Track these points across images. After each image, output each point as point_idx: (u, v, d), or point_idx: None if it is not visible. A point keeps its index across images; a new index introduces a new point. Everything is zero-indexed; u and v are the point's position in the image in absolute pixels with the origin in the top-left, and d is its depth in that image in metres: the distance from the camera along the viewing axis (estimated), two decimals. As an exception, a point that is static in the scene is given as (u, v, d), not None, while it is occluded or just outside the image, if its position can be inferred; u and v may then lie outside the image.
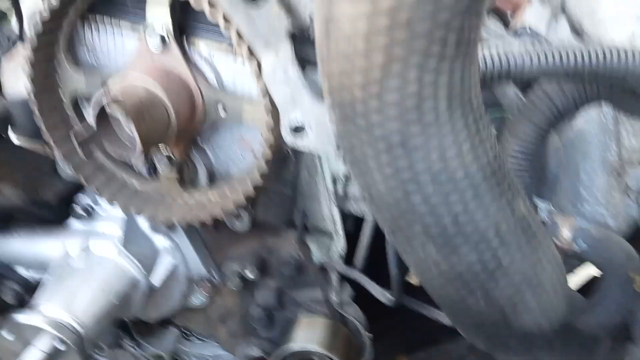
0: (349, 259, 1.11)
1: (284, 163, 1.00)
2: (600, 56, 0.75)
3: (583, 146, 1.12)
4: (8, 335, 0.92)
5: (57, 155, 0.92)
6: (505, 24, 1.24)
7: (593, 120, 1.12)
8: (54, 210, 1.10)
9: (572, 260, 1.15)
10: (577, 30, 1.14)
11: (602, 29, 1.04)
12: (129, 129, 0.75)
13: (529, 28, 1.11)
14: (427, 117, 0.40)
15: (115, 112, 0.74)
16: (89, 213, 1.07)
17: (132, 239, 1.09)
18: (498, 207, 0.48)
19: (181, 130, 0.87)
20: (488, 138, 0.47)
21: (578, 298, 1.38)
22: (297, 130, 0.81)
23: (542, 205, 1.05)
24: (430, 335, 1.55)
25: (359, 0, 0.34)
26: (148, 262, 1.10)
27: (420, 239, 0.49)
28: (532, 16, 1.14)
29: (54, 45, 0.87)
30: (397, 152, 0.42)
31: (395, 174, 0.44)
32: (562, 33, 1.12)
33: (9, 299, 1.12)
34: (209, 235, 1.15)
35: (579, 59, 0.75)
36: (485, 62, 0.76)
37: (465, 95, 0.41)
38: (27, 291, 1.13)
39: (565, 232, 1.07)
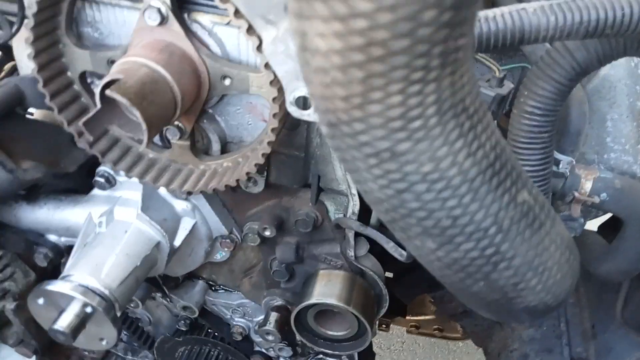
0: (364, 217, 1.13)
1: (295, 128, 1.00)
2: (627, 10, 0.70)
3: (609, 93, 1.08)
4: (42, 302, 0.98)
5: (71, 132, 0.93)
6: None
7: (620, 65, 1.07)
8: (77, 179, 1.13)
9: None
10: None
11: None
12: (133, 114, 0.76)
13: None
14: (415, 126, 0.39)
15: (117, 97, 0.74)
16: (110, 182, 1.10)
17: (152, 204, 1.12)
18: (494, 198, 0.47)
19: (187, 104, 0.87)
20: (485, 131, 0.46)
21: (599, 244, 1.38)
22: (302, 102, 0.80)
23: (564, 159, 1.04)
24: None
25: (330, 20, 0.32)
26: (169, 225, 1.14)
27: (417, 232, 0.49)
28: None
29: (55, 25, 0.86)
30: (386, 160, 0.41)
31: (384, 176, 0.44)
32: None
33: (42, 262, 1.18)
34: (227, 196, 1.17)
35: (602, 15, 0.69)
36: (496, 23, 0.72)
37: (457, 100, 0.40)
38: (58, 255, 1.19)
39: (586, 185, 1.06)
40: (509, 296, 0.54)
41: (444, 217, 0.45)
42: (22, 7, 0.87)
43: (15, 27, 0.87)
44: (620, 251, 1.20)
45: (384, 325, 2.32)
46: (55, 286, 0.96)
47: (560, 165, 1.02)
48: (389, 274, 1.72)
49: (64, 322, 0.94)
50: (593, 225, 1.49)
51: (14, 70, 1.27)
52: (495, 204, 0.46)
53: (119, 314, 1.02)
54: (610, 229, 1.40)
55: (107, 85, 0.77)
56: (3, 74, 1.28)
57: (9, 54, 1.14)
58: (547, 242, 0.52)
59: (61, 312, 0.96)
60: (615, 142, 1.10)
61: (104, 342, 1.02)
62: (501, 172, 0.46)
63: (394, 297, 1.57)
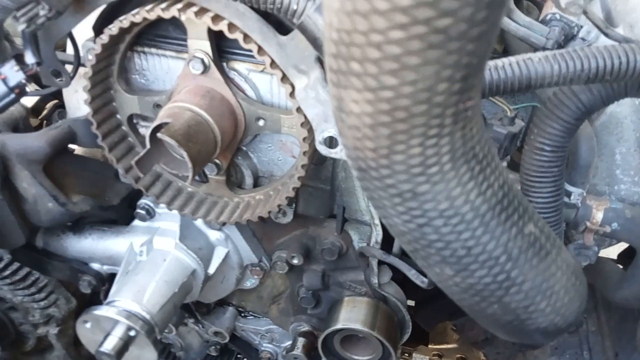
0: (387, 246, 1.19)
1: (322, 163, 1.08)
2: (623, 58, 0.77)
3: (617, 129, 1.14)
4: (89, 326, 1.06)
5: (119, 169, 1.02)
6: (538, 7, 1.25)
7: (625, 103, 1.13)
8: (119, 211, 1.23)
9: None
10: (609, 17, 1.14)
11: (635, 15, 1.04)
12: (179, 153, 0.84)
13: (559, 15, 1.12)
14: (432, 171, 0.46)
15: (167, 139, 0.83)
16: (150, 213, 1.19)
17: (188, 234, 1.21)
18: (503, 230, 0.54)
19: (225, 143, 0.96)
20: (494, 173, 0.53)
21: (615, 271, 1.42)
22: (330, 142, 0.88)
23: (575, 191, 1.10)
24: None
25: (363, 91, 0.40)
26: (204, 253, 1.22)
27: (436, 260, 0.56)
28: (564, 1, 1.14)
29: (108, 74, 0.96)
30: (408, 199, 0.49)
31: (407, 212, 0.51)
32: (595, 19, 1.12)
33: (86, 289, 1.26)
34: (257, 226, 1.25)
35: (601, 63, 0.77)
36: (505, 71, 0.80)
37: (468, 148, 0.48)
38: (100, 283, 1.27)
39: (598, 215, 1.12)
40: (521, 318, 0.60)
41: (460, 247, 0.52)
42: (78, 57, 0.98)
43: (71, 76, 0.97)
44: (635, 278, 1.24)
45: (406, 354, 2.34)
46: (102, 311, 1.04)
47: (572, 197, 1.08)
48: (411, 302, 1.76)
49: (110, 344, 1.02)
50: (613, 253, 1.53)
51: (55, 108, 1.39)
52: (505, 235, 0.53)
53: (159, 337, 1.10)
54: (629, 257, 1.44)
55: (157, 128, 0.86)
56: (46, 111, 1.40)
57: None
58: (553, 268, 0.58)
59: (106, 335, 1.04)
60: (624, 174, 1.15)
61: (144, 364, 1.10)
62: (509, 208, 0.53)
63: (416, 325, 1.62)
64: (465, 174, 0.48)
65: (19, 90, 0.80)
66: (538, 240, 0.56)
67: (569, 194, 1.09)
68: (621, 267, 1.42)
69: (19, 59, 0.84)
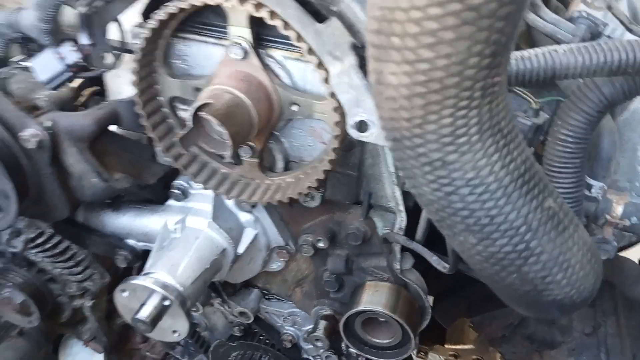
0: (410, 232, 1.23)
1: (350, 149, 1.13)
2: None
3: (639, 125, 1.17)
4: (126, 295, 1.12)
5: (159, 148, 1.09)
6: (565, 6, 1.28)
7: (648, 99, 1.16)
8: (155, 191, 1.29)
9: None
10: (635, 15, 1.17)
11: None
12: (220, 131, 0.90)
13: (585, 12, 1.15)
14: (461, 141, 0.51)
15: (209, 116, 0.89)
16: (184, 193, 1.25)
17: (220, 214, 1.27)
18: (524, 202, 0.59)
19: (261, 126, 1.02)
20: (517, 149, 0.57)
21: (635, 268, 1.44)
22: (361, 126, 0.93)
23: (596, 185, 1.13)
24: (491, 298, 1.65)
25: (401, 63, 0.45)
26: (234, 233, 1.28)
27: (461, 228, 0.61)
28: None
29: (154, 58, 1.02)
30: (438, 168, 0.53)
31: (436, 181, 0.56)
32: (620, 15, 1.15)
33: (122, 264, 1.33)
34: (285, 210, 1.30)
35: (624, 56, 0.80)
36: (531, 62, 0.84)
37: (494, 122, 0.52)
38: (135, 258, 1.34)
39: (618, 209, 1.15)
40: (538, 288, 0.64)
41: (483, 216, 0.57)
42: (124, 42, 1.05)
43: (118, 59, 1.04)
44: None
45: (422, 353, 2.36)
46: (139, 280, 1.11)
47: (593, 190, 1.11)
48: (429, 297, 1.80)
49: (145, 312, 1.08)
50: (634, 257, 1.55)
51: (92, 94, 1.45)
52: (525, 207, 0.57)
53: (190, 310, 1.16)
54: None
55: (199, 108, 0.92)
56: (84, 98, 1.47)
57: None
58: (570, 243, 0.62)
59: (142, 304, 1.10)
60: (646, 171, 1.18)
61: (176, 334, 1.16)
62: (530, 182, 0.57)
63: (433, 323, 1.66)
64: (490, 146, 0.52)
65: (75, 69, 0.87)
66: (557, 214, 0.60)
67: (589, 187, 1.12)
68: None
69: (74, 41, 0.90)
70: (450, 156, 0.51)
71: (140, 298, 1.11)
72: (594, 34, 1.13)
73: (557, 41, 1.14)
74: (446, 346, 2.38)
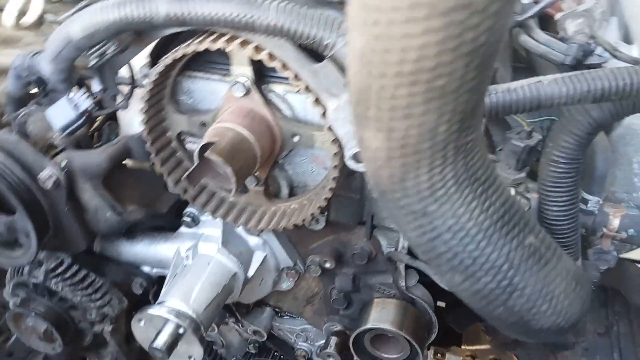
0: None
1: (352, 174, 1.17)
2: (627, 80, 0.83)
3: (633, 139, 1.20)
4: (142, 324, 1.18)
5: (169, 182, 1.14)
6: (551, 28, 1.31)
7: (640, 114, 1.19)
8: (167, 218, 1.34)
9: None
10: (627, 33, 1.19)
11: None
12: (224, 170, 0.95)
13: (580, 24, 1.17)
14: (439, 194, 0.55)
15: (214, 157, 0.93)
16: (195, 221, 1.31)
17: (230, 239, 1.32)
18: (505, 242, 0.63)
19: (264, 158, 1.06)
20: (495, 193, 0.61)
21: (637, 275, 1.46)
22: (358, 157, 0.97)
23: (592, 199, 1.16)
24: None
25: (378, 132, 0.49)
26: (244, 257, 1.33)
27: (446, 268, 0.65)
28: (582, 19, 1.19)
29: (161, 97, 1.07)
30: (419, 217, 0.58)
31: (419, 228, 0.60)
32: (611, 37, 1.18)
33: (138, 290, 1.39)
34: (292, 232, 1.35)
35: (606, 85, 0.84)
36: (517, 93, 0.87)
37: (470, 174, 0.56)
38: (150, 284, 1.40)
39: (615, 222, 1.18)
40: (525, 319, 0.68)
41: (466, 258, 0.60)
42: (133, 81, 1.10)
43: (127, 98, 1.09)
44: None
45: (439, 355, 2.38)
46: (154, 310, 1.16)
47: (589, 204, 1.14)
48: (442, 304, 1.83)
49: (161, 340, 1.13)
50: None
51: (106, 120, 1.51)
52: (506, 246, 0.61)
53: (204, 335, 1.21)
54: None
55: (204, 146, 0.97)
56: (98, 122, 1.53)
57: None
58: (553, 275, 0.66)
59: (158, 332, 1.15)
60: (642, 183, 1.21)
61: (191, 359, 1.21)
62: (510, 222, 0.61)
63: (449, 326, 1.68)
64: (469, 194, 0.56)
65: (88, 115, 0.92)
66: (538, 250, 0.64)
67: (586, 202, 1.15)
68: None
69: (86, 87, 0.95)
70: (430, 207, 0.55)
71: (156, 326, 1.16)
72: (587, 52, 1.16)
73: (550, 61, 1.17)
74: (463, 347, 2.40)
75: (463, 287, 0.65)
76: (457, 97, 0.44)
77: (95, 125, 1.52)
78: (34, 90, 1.17)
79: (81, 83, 1.13)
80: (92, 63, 0.85)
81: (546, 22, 1.29)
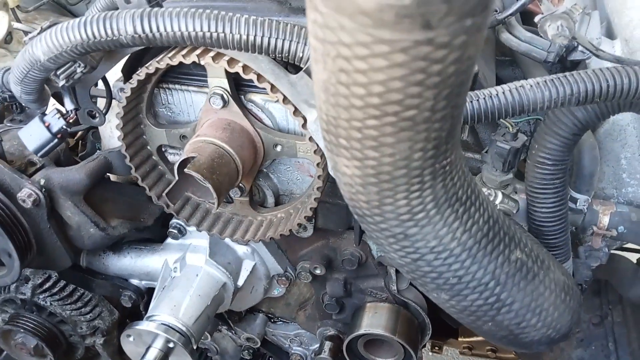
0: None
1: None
2: (611, 81, 0.82)
3: (620, 135, 1.19)
4: (132, 339, 1.16)
5: (152, 195, 1.12)
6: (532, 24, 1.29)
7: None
8: (153, 230, 1.33)
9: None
10: (609, 27, 1.17)
11: (629, 31, 1.08)
12: (205, 185, 0.93)
13: (560, 27, 1.16)
14: (419, 217, 0.54)
15: (193, 173, 0.91)
16: (182, 232, 1.29)
17: (218, 250, 1.30)
18: (490, 260, 0.61)
19: (246, 170, 1.04)
20: (478, 211, 0.60)
21: (630, 269, 1.46)
22: (342, 167, 0.96)
23: (581, 198, 1.15)
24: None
25: (351, 159, 0.48)
26: (233, 267, 1.31)
27: (432, 287, 0.63)
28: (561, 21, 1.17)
29: (138, 111, 1.05)
30: (401, 240, 0.56)
31: (401, 250, 0.58)
32: (593, 32, 1.16)
33: (127, 303, 1.37)
34: (282, 239, 1.33)
35: (589, 87, 0.82)
36: (499, 99, 0.86)
37: (450, 195, 0.54)
38: (139, 297, 1.38)
39: (604, 219, 1.17)
40: (514, 333, 0.67)
41: (451, 277, 0.59)
42: (110, 95, 1.07)
43: (104, 112, 1.06)
44: (644, 278, 1.28)
45: (436, 348, 2.38)
46: (143, 326, 1.15)
47: (578, 203, 1.13)
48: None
49: (151, 356, 1.12)
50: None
51: (89, 129, 1.48)
52: (492, 263, 0.60)
53: (195, 347, 1.19)
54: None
55: (183, 162, 0.95)
56: (81, 132, 1.50)
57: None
58: (541, 288, 0.65)
59: (148, 347, 1.14)
60: (631, 178, 1.19)
61: (183, 372, 1.20)
62: (495, 239, 0.59)
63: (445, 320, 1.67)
64: (450, 215, 0.54)
65: (61, 135, 0.90)
66: (525, 264, 0.63)
67: (575, 201, 1.14)
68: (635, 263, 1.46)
69: (60, 102, 0.93)
70: (411, 230, 0.54)
71: (145, 342, 1.15)
72: (569, 48, 1.14)
73: (533, 59, 1.15)
74: (460, 339, 2.41)
75: (450, 305, 0.64)
76: (429, 126, 0.42)
77: (79, 134, 1.50)
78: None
79: (58, 97, 1.11)
80: (61, 84, 0.83)
81: (529, 17, 1.27)
